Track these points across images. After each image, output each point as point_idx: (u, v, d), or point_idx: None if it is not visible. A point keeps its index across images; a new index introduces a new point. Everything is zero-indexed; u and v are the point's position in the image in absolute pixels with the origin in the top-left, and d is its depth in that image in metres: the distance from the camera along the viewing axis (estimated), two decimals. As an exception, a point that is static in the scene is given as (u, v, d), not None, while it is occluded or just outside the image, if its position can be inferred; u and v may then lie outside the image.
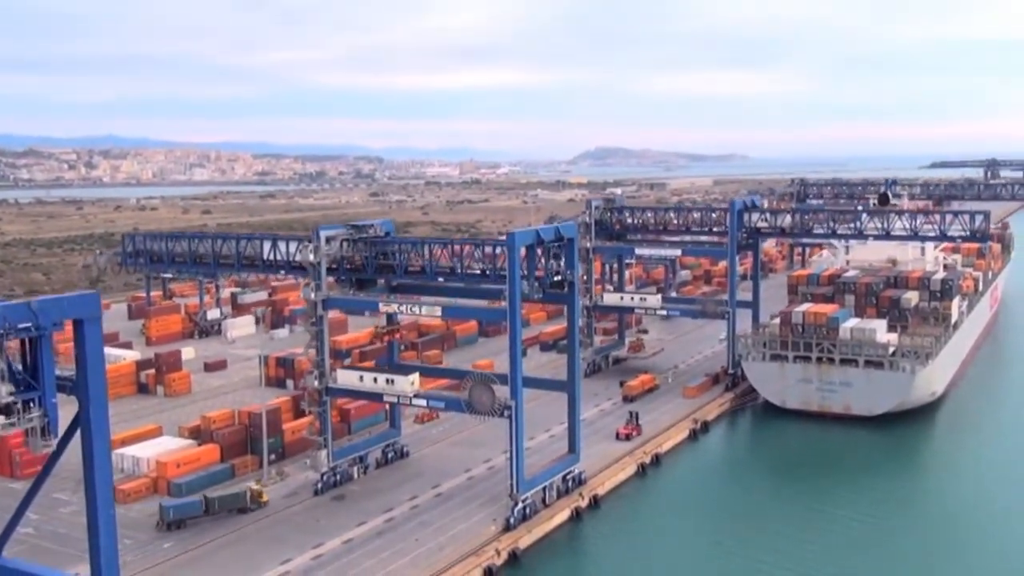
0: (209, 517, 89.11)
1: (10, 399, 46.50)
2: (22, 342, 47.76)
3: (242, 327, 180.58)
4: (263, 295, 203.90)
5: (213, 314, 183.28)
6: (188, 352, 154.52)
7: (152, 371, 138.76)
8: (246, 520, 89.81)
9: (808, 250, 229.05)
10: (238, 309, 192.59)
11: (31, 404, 47.47)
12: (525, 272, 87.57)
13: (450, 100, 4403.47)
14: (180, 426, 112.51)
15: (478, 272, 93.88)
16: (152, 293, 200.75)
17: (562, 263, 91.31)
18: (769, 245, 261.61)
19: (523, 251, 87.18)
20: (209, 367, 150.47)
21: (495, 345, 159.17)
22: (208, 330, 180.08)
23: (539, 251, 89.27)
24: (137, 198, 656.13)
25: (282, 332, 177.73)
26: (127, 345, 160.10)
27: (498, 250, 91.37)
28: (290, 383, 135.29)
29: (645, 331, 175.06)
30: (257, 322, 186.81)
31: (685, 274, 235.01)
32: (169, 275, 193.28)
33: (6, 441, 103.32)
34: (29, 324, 46.37)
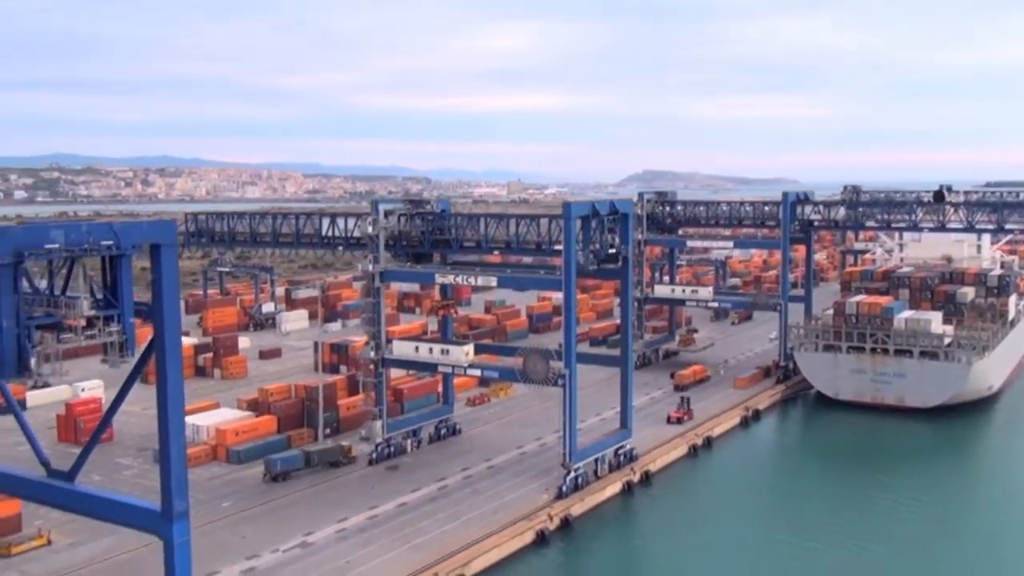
0: (308, 470, 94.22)
1: (92, 313, 48.51)
2: (103, 263, 49.84)
3: (296, 321, 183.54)
4: (316, 291, 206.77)
5: (268, 308, 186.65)
6: (244, 342, 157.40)
7: (210, 355, 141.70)
8: (303, 484, 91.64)
9: (860, 258, 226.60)
10: (292, 304, 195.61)
11: (111, 321, 49.49)
12: (580, 245, 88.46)
13: (494, 123, 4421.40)
14: (238, 398, 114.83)
15: (533, 246, 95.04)
16: (208, 291, 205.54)
17: (616, 237, 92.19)
18: (820, 256, 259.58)
19: (578, 223, 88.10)
20: (264, 355, 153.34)
21: (545, 340, 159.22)
22: (263, 323, 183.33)
23: (594, 224, 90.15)
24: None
25: (335, 326, 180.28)
26: (184, 333, 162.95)
27: (553, 224, 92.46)
28: (344, 369, 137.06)
29: (695, 330, 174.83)
30: (312, 317, 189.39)
31: (735, 281, 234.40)
32: (226, 270, 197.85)
33: (71, 409, 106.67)
34: (111, 243, 48.45)
